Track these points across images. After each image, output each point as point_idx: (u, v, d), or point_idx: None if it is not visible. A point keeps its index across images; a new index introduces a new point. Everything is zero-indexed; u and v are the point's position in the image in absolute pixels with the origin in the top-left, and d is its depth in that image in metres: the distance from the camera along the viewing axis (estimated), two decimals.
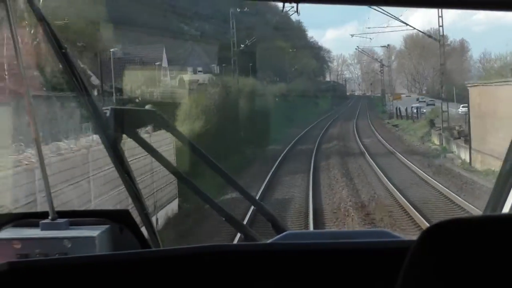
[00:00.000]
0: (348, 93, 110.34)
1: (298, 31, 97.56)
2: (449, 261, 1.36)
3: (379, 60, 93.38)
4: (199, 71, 62.41)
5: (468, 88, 36.02)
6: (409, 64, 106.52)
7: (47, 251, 2.54)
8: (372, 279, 2.25)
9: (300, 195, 25.88)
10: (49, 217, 2.68)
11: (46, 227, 2.65)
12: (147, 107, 3.80)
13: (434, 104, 62.62)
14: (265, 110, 48.98)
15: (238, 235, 3.13)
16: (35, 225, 2.67)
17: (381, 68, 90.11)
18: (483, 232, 1.38)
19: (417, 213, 20.72)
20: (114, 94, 34.30)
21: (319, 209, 22.91)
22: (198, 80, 56.96)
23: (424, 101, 75.89)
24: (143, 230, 2.77)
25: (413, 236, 1.70)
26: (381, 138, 45.82)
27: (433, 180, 26.60)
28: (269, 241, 2.54)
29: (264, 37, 67.94)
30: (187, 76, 57.35)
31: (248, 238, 2.98)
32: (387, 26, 68.17)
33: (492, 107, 30.02)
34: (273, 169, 31.87)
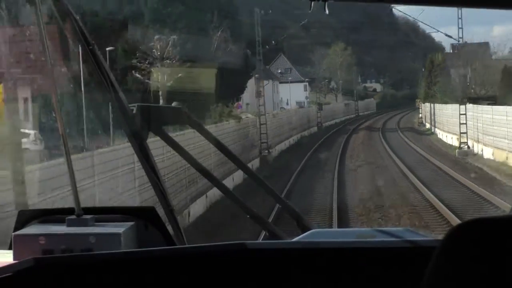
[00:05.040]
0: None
1: (430, 49, 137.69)
2: (476, 261, 1.34)
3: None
4: (372, 81, 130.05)
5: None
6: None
7: (72, 247, 2.54)
8: (397, 278, 2.23)
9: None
10: (75, 213, 2.69)
11: (72, 223, 2.66)
12: (174, 104, 3.74)
13: None
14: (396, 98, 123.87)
15: (263, 232, 3.09)
16: (61, 221, 2.68)
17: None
18: (510, 232, 1.37)
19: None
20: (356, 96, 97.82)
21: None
22: (372, 86, 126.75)
23: None
24: (169, 227, 2.77)
25: (438, 235, 1.69)
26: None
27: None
28: (294, 239, 2.54)
29: (401, 58, 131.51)
30: (367, 84, 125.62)
31: (273, 235, 2.97)
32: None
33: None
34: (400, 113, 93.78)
